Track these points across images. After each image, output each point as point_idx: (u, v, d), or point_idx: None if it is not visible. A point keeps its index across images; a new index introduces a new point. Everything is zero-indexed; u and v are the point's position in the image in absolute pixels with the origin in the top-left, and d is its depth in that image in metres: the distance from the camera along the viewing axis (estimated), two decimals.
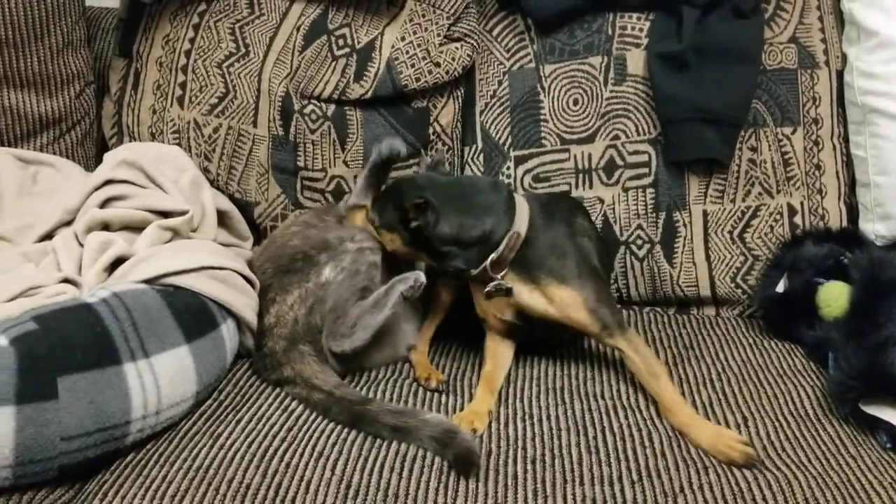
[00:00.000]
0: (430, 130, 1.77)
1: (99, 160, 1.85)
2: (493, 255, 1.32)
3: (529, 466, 1.14)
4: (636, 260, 1.72)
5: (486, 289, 1.34)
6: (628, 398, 1.33)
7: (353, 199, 1.60)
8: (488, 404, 1.29)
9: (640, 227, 1.71)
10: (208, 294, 1.30)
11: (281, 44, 1.75)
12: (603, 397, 1.33)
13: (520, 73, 1.77)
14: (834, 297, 1.51)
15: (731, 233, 1.70)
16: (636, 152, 1.72)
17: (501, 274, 1.33)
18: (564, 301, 1.31)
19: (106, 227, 1.42)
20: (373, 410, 1.22)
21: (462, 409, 1.29)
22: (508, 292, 1.33)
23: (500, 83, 1.78)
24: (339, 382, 1.33)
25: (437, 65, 1.72)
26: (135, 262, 1.31)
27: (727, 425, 1.25)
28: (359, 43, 1.73)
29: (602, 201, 1.72)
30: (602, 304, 1.32)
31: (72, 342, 1.09)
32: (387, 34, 1.74)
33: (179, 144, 1.76)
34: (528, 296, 1.33)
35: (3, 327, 1.08)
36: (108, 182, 1.47)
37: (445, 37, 1.74)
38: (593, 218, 1.70)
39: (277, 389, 1.33)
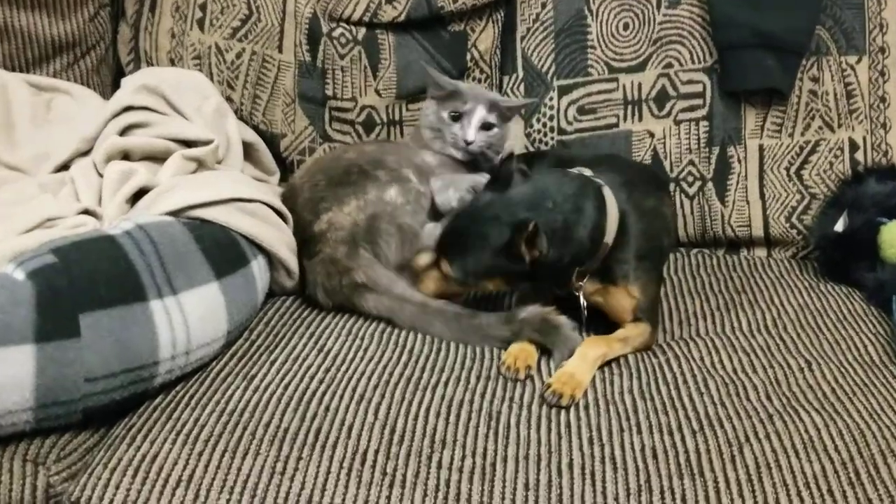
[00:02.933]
0: (468, 57, 1.66)
1: (115, 87, 1.76)
2: (580, 268, 1.22)
3: (583, 413, 1.07)
4: (686, 198, 1.62)
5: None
6: (680, 348, 1.24)
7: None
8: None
9: (691, 162, 1.61)
10: (238, 228, 1.22)
11: None
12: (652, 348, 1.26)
13: None
14: None
15: (787, 169, 1.60)
16: (690, 82, 1.61)
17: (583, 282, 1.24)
18: (620, 302, 1.25)
19: (126, 156, 1.33)
20: (483, 324, 1.21)
21: None
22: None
23: (543, 6, 1.65)
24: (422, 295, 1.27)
25: None
26: (158, 193, 1.23)
27: (789, 369, 1.17)
28: None
29: (652, 135, 1.62)
30: (649, 305, 1.26)
31: (94, 276, 1.01)
32: None
33: (200, 71, 1.65)
34: (590, 291, 1.25)
35: (19, 260, 1.00)
36: (128, 109, 1.37)
37: None
38: (642, 154, 1.61)
39: (311, 329, 1.25)
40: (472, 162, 1.46)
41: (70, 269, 1.00)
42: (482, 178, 1.36)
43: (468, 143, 1.42)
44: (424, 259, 1.27)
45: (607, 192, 1.21)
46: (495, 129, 1.45)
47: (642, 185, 1.29)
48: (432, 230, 1.33)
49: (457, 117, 1.44)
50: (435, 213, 1.39)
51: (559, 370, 1.13)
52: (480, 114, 1.43)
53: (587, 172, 1.25)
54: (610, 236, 1.20)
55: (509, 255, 1.15)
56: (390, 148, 1.46)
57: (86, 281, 1.00)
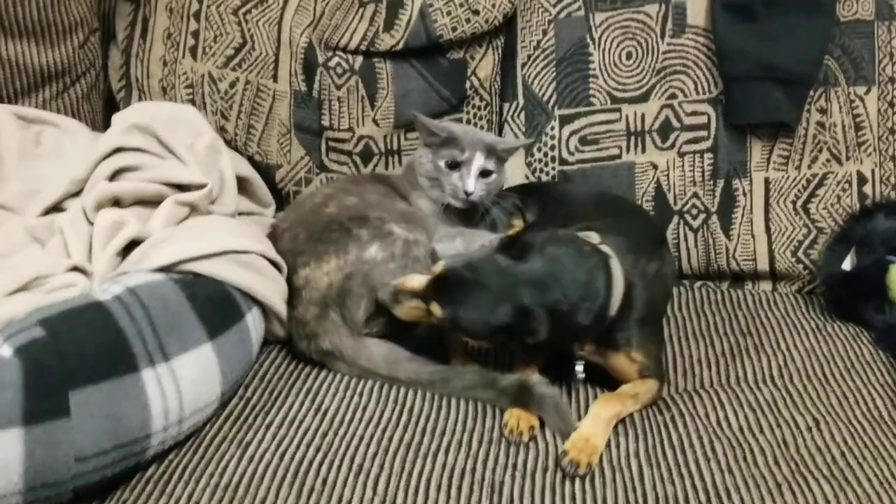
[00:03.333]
0: (468, 84, 1.62)
1: (106, 114, 1.73)
2: (583, 341, 1.20)
3: (588, 485, 1.04)
4: (690, 231, 1.59)
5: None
6: (685, 403, 1.22)
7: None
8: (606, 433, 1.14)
9: (695, 195, 1.58)
10: (233, 282, 1.19)
11: None
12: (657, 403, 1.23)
13: (567, 21, 1.60)
14: None
15: (794, 203, 1.57)
16: (694, 113, 1.57)
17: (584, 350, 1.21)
18: (623, 366, 1.22)
19: (117, 201, 1.29)
20: (459, 389, 1.19)
21: None
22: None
23: (544, 33, 1.61)
24: (388, 358, 1.25)
25: (476, 12, 1.56)
26: (150, 246, 1.19)
27: (797, 428, 1.15)
28: None
29: (655, 167, 1.58)
30: (653, 363, 1.23)
31: (83, 350, 0.98)
32: None
33: (193, 100, 1.62)
34: (590, 352, 1.22)
35: (6, 334, 0.97)
36: (119, 150, 1.33)
37: None
38: (645, 186, 1.58)
39: (308, 384, 1.23)
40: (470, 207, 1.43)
41: (59, 343, 0.97)
42: (492, 237, 1.33)
43: (468, 194, 1.38)
44: (413, 284, 1.20)
45: (615, 266, 1.17)
46: (493, 175, 1.41)
47: (646, 247, 1.26)
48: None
49: (454, 165, 1.39)
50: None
51: (575, 433, 1.10)
52: (479, 162, 1.39)
53: (594, 238, 1.20)
54: (614, 309, 1.17)
55: (507, 335, 1.13)
56: (374, 199, 1.40)
57: (75, 355, 0.97)
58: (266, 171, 1.63)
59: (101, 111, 1.72)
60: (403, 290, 1.20)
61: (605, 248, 1.19)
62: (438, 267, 1.19)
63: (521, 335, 1.11)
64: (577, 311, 1.13)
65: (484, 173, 1.40)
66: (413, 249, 1.31)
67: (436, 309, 1.16)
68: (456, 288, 1.15)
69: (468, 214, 1.44)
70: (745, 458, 1.09)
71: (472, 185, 1.37)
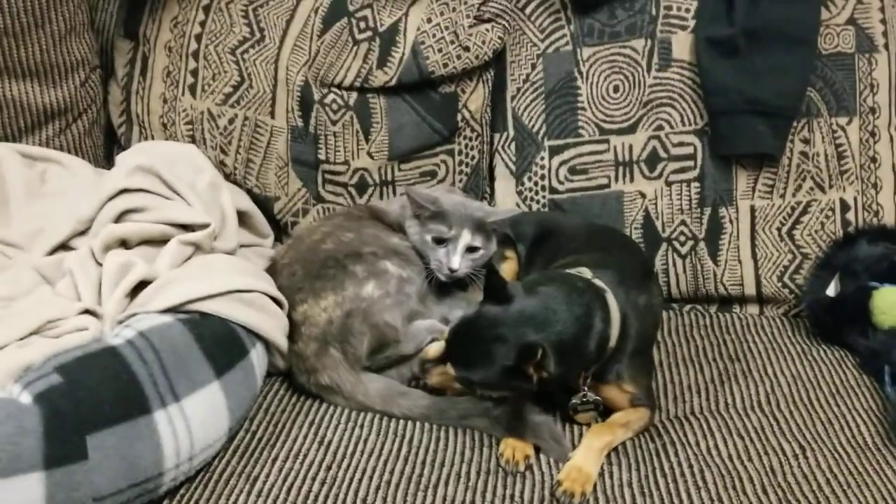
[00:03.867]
0: (459, 117, 1.66)
1: (107, 149, 1.78)
2: (586, 373, 1.23)
3: None
4: (678, 257, 1.64)
5: (573, 401, 1.24)
6: (676, 431, 1.26)
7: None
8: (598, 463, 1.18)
9: (683, 223, 1.63)
10: (237, 320, 1.23)
11: (298, 28, 1.63)
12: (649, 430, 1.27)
13: (555, 56, 1.65)
14: (890, 304, 1.45)
15: (779, 230, 1.61)
16: (681, 144, 1.62)
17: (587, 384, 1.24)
18: (614, 396, 1.26)
19: (123, 242, 1.33)
20: (455, 417, 1.23)
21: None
22: (597, 406, 1.25)
23: (533, 66, 1.66)
24: (384, 394, 1.29)
25: (467, 49, 1.61)
26: (157, 288, 1.23)
27: (784, 456, 1.19)
28: (382, 26, 1.61)
29: (643, 196, 1.63)
30: (644, 393, 1.27)
31: (99, 394, 1.02)
32: (412, 16, 1.61)
33: (193, 137, 1.66)
34: (591, 394, 1.25)
35: (25, 381, 1.01)
36: (123, 191, 1.37)
37: (475, 17, 1.62)
38: (633, 214, 1.63)
39: (311, 417, 1.27)
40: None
41: (75, 389, 1.01)
42: None
43: (453, 271, 1.40)
44: (434, 352, 1.27)
45: (610, 300, 1.21)
46: (480, 251, 1.42)
47: (636, 279, 1.30)
48: (420, 328, 1.34)
49: (441, 241, 1.41)
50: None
51: (567, 464, 1.15)
52: (465, 239, 1.40)
53: (587, 273, 1.25)
54: (613, 340, 1.21)
55: (517, 376, 1.14)
56: (369, 234, 1.43)
57: (92, 401, 1.01)
58: (264, 203, 1.67)
59: (102, 145, 1.75)
60: (428, 360, 1.26)
61: (598, 283, 1.23)
62: (434, 352, 1.26)
63: (530, 376, 1.12)
64: (581, 344, 1.17)
65: (470, 249, 1.41)
66: (406, 286, 1.36)
67: (451, 370, 1.20)
68: (459, 346, 1.19)
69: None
70: (734, 487, 1.13)
71: (457, 262, 1.39)
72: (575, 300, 1.17)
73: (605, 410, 1.27)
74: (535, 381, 1.13)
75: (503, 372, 1.13)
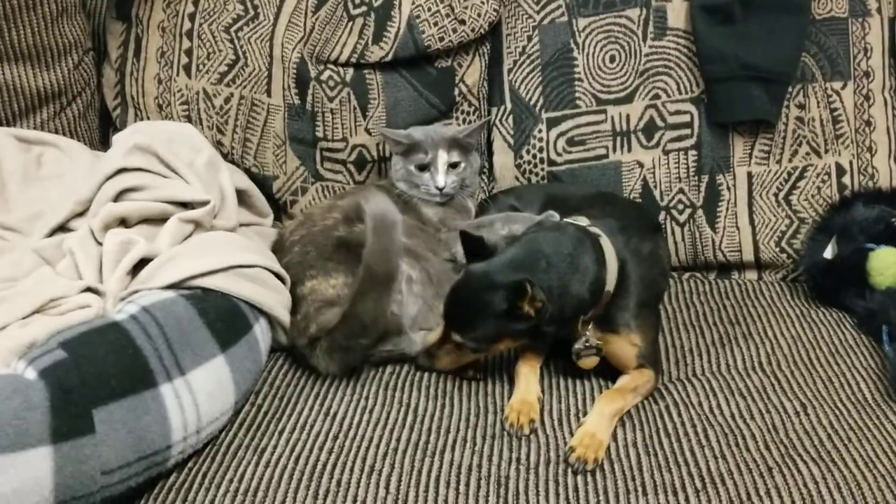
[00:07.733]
0: (456, 91, 1.66)
1: (103, 132, 1.77)
2: (584, 317, 1.24)
3: (590, 476, 1.09)
4: (677, 225, 1.64)
5: (575, 347, 1.25)
6: (678, 392, 1.27)
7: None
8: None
9: (681, 191, 1.63)
10: (239, 295, 1.23)
11: (292, 4, 1.62)
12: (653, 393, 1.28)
13: (551, 27, 1.65)
14: (887, 264, 1.46)
15: (776, 195, 1.62)
16: (678, 112, 1.62)
17: (588, 330, 1.26)
18: (623, 349, 1.26)
19: (123, 220, 1.34)
20: None
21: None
22: (598, 351, 1.26)
23: (529, 39, 1.66)
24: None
25: (462, 22, 1.61)
26: (159, 265, 1.23)
27: (785, 413, 1.20)
28: (376, 0, 1.61)
29: (641, 165, 1.63)
30: (650, 349, 1.28)
31: (104, 369, 1.02)
32: None
33: (189, 117, 1.66)
34: (592, 338, 1.27)
35: (30, 357, 1.01)
36: (122, 170, 1.37)
37: None
38: (632, 184, 1.63)
39: (316, 389, 1.28)
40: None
41: (80, 363, 1.01)
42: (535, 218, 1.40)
43: (441, 189, 1.48)
44: (433, 336, 1.28)
45: (605, 242, 1.23)
46: (462, 165, 1.52)
47: (639, 230, 1.31)
48: (423, 336, 1.35)
49: (423, 167, 1.50)
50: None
51: (580, 429, 1.15)
52: (444, 158, 1.49)
53: (583, 222, 1.26)
54: (611, 285, 1.22)
55: (512, 317, 1.16)
56: None
57: (97, 375, 1.01)
58: (263, 183, 1.67)
59: (98, 128, 1.75)
60: (431, 345, 1.28)
61: (592, 229, 1.24)
62: (433, 336, 1.27)
63: (527, 314, 1.14)
64: (569, 284, 1.18)
65: (453, 165, 1.50)
66: (414, 287, 1.37)
67: (456, 338, 1.22)
68: (454, 309, 1.22)
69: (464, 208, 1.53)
70: (737, 444, 1.14)
71: (441, 180, 1.49)
72: (563, 242, 1.20)
73: (612, 373, 1.28)
74: (534, 318, 1.14)
75: (500, 318, 1.15)
